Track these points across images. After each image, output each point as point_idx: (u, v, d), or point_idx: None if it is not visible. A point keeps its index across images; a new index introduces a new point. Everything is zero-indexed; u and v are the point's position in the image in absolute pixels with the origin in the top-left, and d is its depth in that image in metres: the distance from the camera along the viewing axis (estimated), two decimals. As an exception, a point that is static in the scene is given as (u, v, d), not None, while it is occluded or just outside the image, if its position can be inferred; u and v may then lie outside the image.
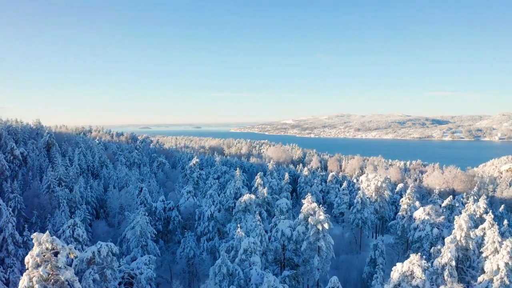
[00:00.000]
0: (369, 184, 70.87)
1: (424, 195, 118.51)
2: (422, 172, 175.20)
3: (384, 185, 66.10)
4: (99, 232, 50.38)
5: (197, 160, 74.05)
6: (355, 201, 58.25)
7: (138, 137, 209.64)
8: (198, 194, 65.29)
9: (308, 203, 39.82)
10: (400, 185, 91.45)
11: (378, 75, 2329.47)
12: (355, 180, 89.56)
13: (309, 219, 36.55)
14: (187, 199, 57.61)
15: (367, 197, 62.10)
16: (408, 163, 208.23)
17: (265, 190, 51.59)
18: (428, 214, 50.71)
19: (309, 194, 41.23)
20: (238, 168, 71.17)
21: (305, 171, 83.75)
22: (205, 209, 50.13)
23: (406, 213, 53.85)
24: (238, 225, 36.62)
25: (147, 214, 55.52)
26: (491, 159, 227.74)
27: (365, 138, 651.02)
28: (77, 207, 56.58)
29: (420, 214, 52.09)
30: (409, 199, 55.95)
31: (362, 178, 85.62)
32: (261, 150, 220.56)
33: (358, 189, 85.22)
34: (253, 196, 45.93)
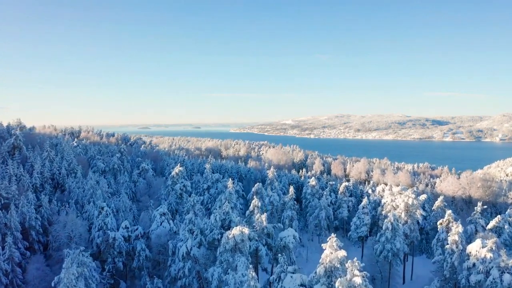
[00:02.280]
0: (394, 199, 55.72)
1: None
2: (432, 176, 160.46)
3: (415, 202, 50.92)
4: (31, 276, 35.25)
5: (180, 168, 58.86)
6: (383, 226, 43.23)
7: (130, 138, 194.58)
8: (177, 217, 49.96)
9: (331, 250, 24.82)
10: (423, 196, 76.00)
11: (377, 75, 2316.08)
12: (370, 191, 74.37)
13: (337, 283, 21.45)
14: (160, 223, 42.48)
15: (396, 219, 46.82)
16: (415, 166, 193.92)
17: (263, 217, 36.51)
18: (491, 250, 35.70)
19: (333, 236, 26.20)
20: (230, 180, 56.06)
21: (312, 181, 68.62)
22: (180, 243, 34.99)
23: (457, 247, 38.66)
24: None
25: (103, 247, 40.62)
26: (495, 160, 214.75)
27: (365, 138, 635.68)
28: (13, 235, 41.61)
29: (477, 249, 37.02)
30: (455, 226, 40.76)
31: (381, 189, 70.49)
32: (260, 152, 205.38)
33: (376, 202, 70.20)
34: (246, 230, 30.83)
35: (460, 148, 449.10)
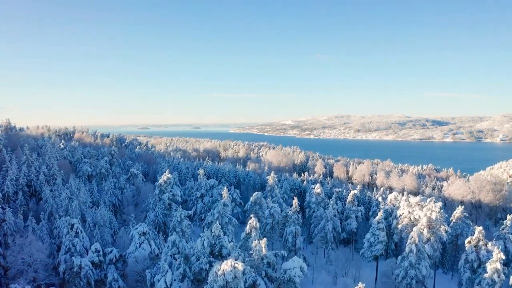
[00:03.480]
0: (412, 211, 48.41)
1: (448, 209, 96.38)
2: (438, 179, 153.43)
3: (439, 216, 43.59)
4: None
5: (169, 175, 51.40)
6: (406, 249, 35.93)
7: (126, 139, 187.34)
8: (161, 236, 42.44)
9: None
10: (438, 205, 68.59)
11: (377, 75, 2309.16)
12: (380, 199, 67.02)
13: None
14: (139, 245, 35.17)
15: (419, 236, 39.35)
16: (419, 168, 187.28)
17: (263, 244, 29.01)
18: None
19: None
20: (225, 189, 48.68)
21: (317, 189, 61.24)
22: (159, 276, 27.67)
23: (499, 277, 31.38)
24: None
25: (68, 277, 33.27)
26: (497, 161, 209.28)
27: (365, 139, 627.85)
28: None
29: (526, 280, 29.92)
30: (496, 252, 33.42)
31: (393, 198, 63.16)
32: (260, 153, 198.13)
33: (387, 212, 62.89)
34: (239, 266, 23.56)
35: (461, 149, 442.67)
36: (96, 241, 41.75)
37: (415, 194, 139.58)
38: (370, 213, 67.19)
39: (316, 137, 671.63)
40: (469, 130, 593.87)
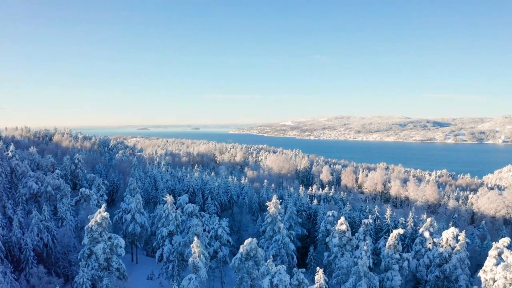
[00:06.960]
0: (515, 281, 27.56)
1: (480, 226, 75.93)
2: (458, 188, 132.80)
3: None
4: None
5: (104, 214, 30.36)
6: None
7: (111, 142, 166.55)
8: None
9: None
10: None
11: (377, 76, 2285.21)
12: (426, 234, 45.63)
13: None
14: None
15: None
16: (434, 174, 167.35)
17: None
18: None
19: None
20: (195, 239, 27.53)
21: (341, 225, 39.95)
22: None
23: None
24: None
25: None
26: (503, 164, 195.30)
27: (366, 140, 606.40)
28: None
29: None
30: None
31: (451, 237, 41.94)
32: (259, 158, 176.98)
33: (442, 257, 41.84)
34: None
35: (464, 151, 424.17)
36: None
37: (436, 206, 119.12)
38: (412, 253, 46.12)
39: (316, 138, 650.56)
40: (470, 131, 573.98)
